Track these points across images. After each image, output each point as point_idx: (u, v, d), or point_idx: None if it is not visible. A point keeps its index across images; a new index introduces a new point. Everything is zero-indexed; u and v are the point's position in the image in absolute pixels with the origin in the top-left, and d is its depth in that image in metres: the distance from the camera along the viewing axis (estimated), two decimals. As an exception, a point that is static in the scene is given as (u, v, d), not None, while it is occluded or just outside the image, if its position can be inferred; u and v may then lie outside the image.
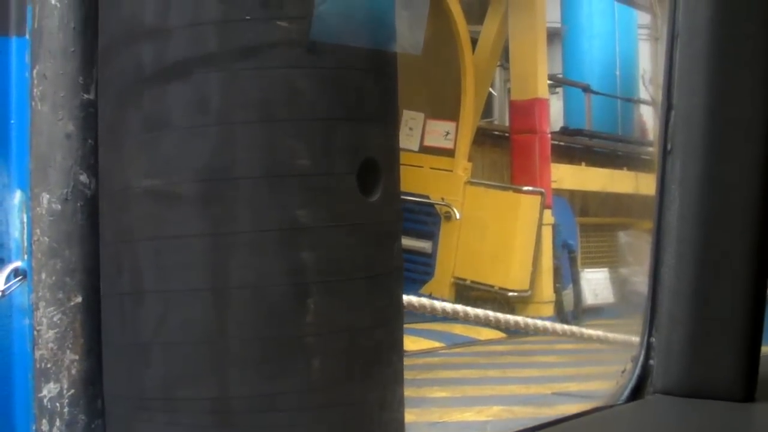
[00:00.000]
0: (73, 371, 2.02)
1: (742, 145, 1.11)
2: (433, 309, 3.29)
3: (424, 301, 3.33)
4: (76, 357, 2.02)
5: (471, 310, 3.42)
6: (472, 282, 9.18)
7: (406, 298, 3.38)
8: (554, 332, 3.78)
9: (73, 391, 2.02)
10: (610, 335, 4.25)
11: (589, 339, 4.20)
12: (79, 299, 2.03)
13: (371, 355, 1.91)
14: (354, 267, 1.87)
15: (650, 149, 13.01)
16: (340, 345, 1.86)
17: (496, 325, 3.59)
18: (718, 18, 1.12)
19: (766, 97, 1.11)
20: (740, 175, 1.11)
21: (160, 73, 1.84)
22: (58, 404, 2.01)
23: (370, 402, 1.91)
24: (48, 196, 2.01)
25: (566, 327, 4.02)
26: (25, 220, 2.23)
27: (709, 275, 1.12)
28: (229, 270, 1.81)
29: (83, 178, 2.04)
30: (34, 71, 2.05)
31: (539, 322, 3.83)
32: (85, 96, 2.05)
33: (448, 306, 3.43)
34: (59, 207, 2.02)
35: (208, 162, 1.81)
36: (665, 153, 1.16)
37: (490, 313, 3.51)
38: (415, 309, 3.31)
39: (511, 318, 3.68)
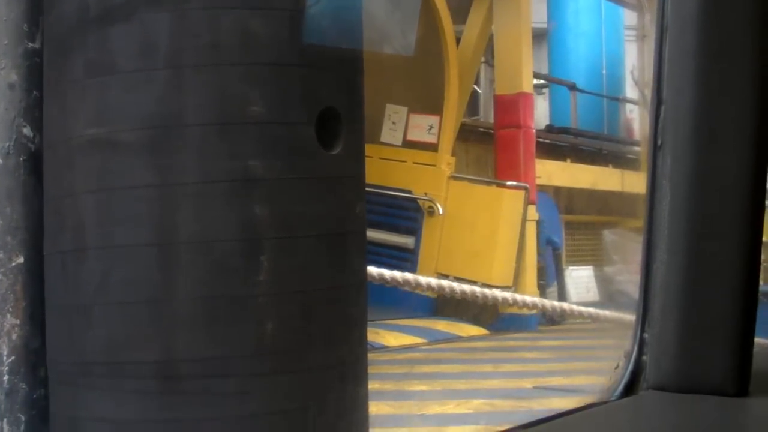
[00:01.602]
0: (14, 337, 1.90)
1: (733, 140, 1.11)
2: (418, 284, 3.18)
3: (408, 276, 3.22)
4: (17, 321, 1.90)
5: (457, 286, 3.31)
6: (455, 278, 9.06)
7: (389, 273, 3.28)
8: (543, 308, 3.68)
9: (13, 358, 1.89)
10: (601, 312, 4.15)
11: (579, 316, 4.08)
12: (21, 260, 1.90)
13: (330, 319, 1.79)
14: (312, 223, 1.75)
15: (636, 148, 12.97)
16: (296, 306, 1.74)
17: (483, 301, 3.48)
18: (707, 12, 1.11)
19: (756, 91, 1.10)
20: (731, 169, 1.11)
21: (104, 14, 1.72)
22: (-4, 372, 1.88)
23: (328, 369, 1.79)
24: (-12, 149, 1.89)
25: (555, 303, 3.90)
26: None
27: (701, 270, 1.12)
28: (176, 224, 1.69)
29: (27, 131, 1.91)
30: (-25, 18, 1.92)
31: (528, 298, 3.72)
32: (30, 44, 1.93)
33: (434, 281, 3.32)
34: (0, 161, 1.90)
35: (155, 109, 1.69)
36: (655, 148, 1.15)
37: (477, 289, 3.40)
38: (400, 285, 3.22)
39: (499, 294, 3.57)
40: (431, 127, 9.35)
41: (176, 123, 1.69)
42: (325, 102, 1.76)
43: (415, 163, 9.35)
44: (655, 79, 1.16)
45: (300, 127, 1.73)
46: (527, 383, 6.20)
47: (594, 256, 11.01)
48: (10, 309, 1.89)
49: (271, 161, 1.70)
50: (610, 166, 11.68)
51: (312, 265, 1.76)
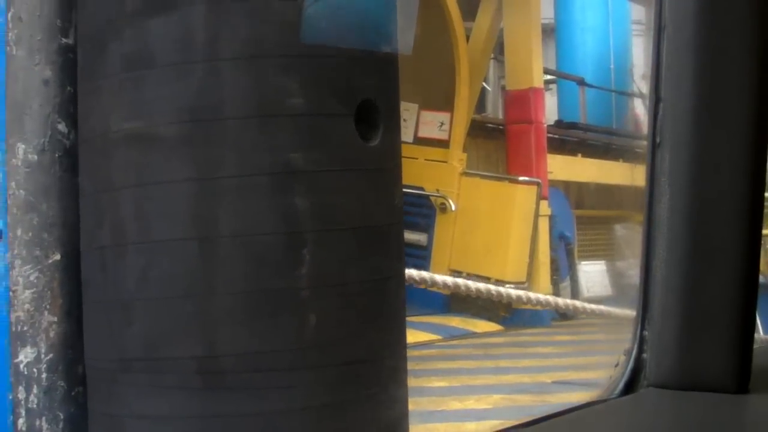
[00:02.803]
0: (51, 334, 1.89)
1: (731, 137, 1.11)
2: (434, 282, 3.17)
3: (425, 274, 3.21)
4: (55, 319, 1.89)
5: (472, 284, 3.30)
6: (468, 274, 9.03)
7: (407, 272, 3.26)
8: (556, 306, 3.67)
9: (51, 355, 1.88)
10: (613, 310, 4.14)
11: (592, 314, 4.07)
12: (58, 257, 1.89)
13: (371, 311, 1.78)
14: (352, 215, 1.74)
15: (645, 142, 12.92)
16: (338, 299, 1.73)
17: (498, 299, 3.48)
18: (704, 9, 1.11)
19: (755, 88, 1.10)
20: (730, 166, 1.11)
21: (141, 8, 1.71)
22: (35, 370, 1.87)
23: (370, 361, 1.78)
24: (24, 146, 1.88)
25: (568, 301, 3.89)
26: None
27: (700, 267, 1.12)
28: (217, 218, 1.68)
29: (61, 127, 1.91)
30: (9, 14, 1.91)
31: (541, 296, 3.72)
32: (64, 40, 1.92)
33: (449, 280, 3.31)
34: (36, 158, 1.89)
35: (194, 101, 1.68)
36: (654, 146, 1.15)
37: (492, 287, 3.39)
38: (416, 283, 3.21)
39: (513, 292, 3.56)
40: (442, 123, 9.32)
41: (215, 116, 1.67)
42: (363, 94, 1.75)
43: (426, 159, 9.32)
44: (653, 76, 1.15)
45: (339, 119, 1.72)
46: (545, 378, 6.18)
47: (606, 251, 10.98)
48: (48, 306, 1.89)
49: (311, 153, 1.69)
50: (621, 160, 11.65)
51: (353, 257, 1.75)
